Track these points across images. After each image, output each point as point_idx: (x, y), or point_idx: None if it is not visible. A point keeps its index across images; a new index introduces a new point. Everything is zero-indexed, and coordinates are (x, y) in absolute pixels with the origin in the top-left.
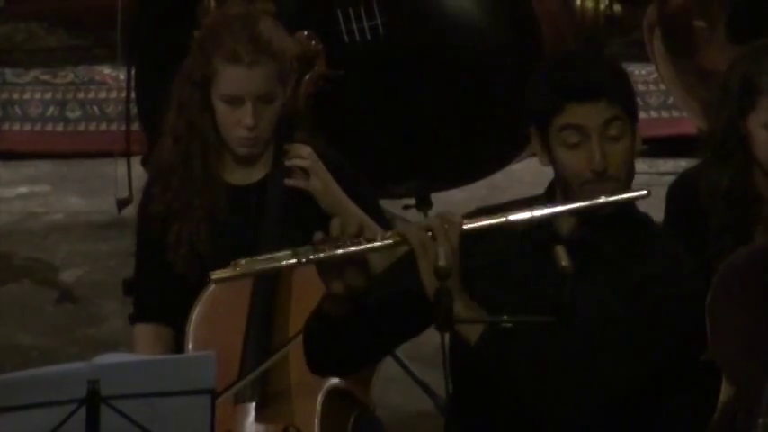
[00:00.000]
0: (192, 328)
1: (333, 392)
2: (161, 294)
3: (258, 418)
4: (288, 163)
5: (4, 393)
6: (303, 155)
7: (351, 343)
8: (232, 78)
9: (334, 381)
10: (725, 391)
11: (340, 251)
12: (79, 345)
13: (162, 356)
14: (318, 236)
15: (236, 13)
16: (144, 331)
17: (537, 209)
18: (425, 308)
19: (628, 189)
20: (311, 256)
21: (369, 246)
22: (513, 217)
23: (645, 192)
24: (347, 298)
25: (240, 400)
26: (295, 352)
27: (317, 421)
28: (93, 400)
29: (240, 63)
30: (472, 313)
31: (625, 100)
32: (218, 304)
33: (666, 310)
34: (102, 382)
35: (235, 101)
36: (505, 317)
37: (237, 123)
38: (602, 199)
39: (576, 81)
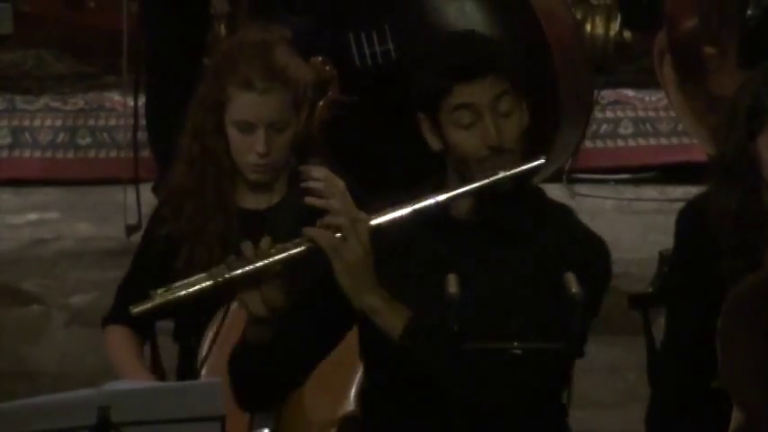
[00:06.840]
0: (205, 350)
1: (348, 420)
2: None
3: None
4: (303, 185)
5: (15, 420)
6: (319, 176)
7: (277, 368)
8: (245, 105)
9: (349, 408)
10: (735, 418)
11: (254, 265)
12: (89, 372)
13: (172, 383)
14: (232, 256)
15: (252, 39)
16: (119, 332)
17: (440, 194)
18: (343, 310)
19: (524, 162)
20: (226, 275)
21: (282, 256)
22: (419, 205)
23: (542, 160)
24: (269, 319)
25: (255, 428)
26: (308, 382)
27: None
28: (103, 427)
29: (253, 90)
30: (390, 305)
31: (511, 74)
32: (234, 327)
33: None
34: (113, 408)
35: (247, 127)
36: (516, 343)
37: (249, 150)
38: (501, 174)
39: (461, 61)
